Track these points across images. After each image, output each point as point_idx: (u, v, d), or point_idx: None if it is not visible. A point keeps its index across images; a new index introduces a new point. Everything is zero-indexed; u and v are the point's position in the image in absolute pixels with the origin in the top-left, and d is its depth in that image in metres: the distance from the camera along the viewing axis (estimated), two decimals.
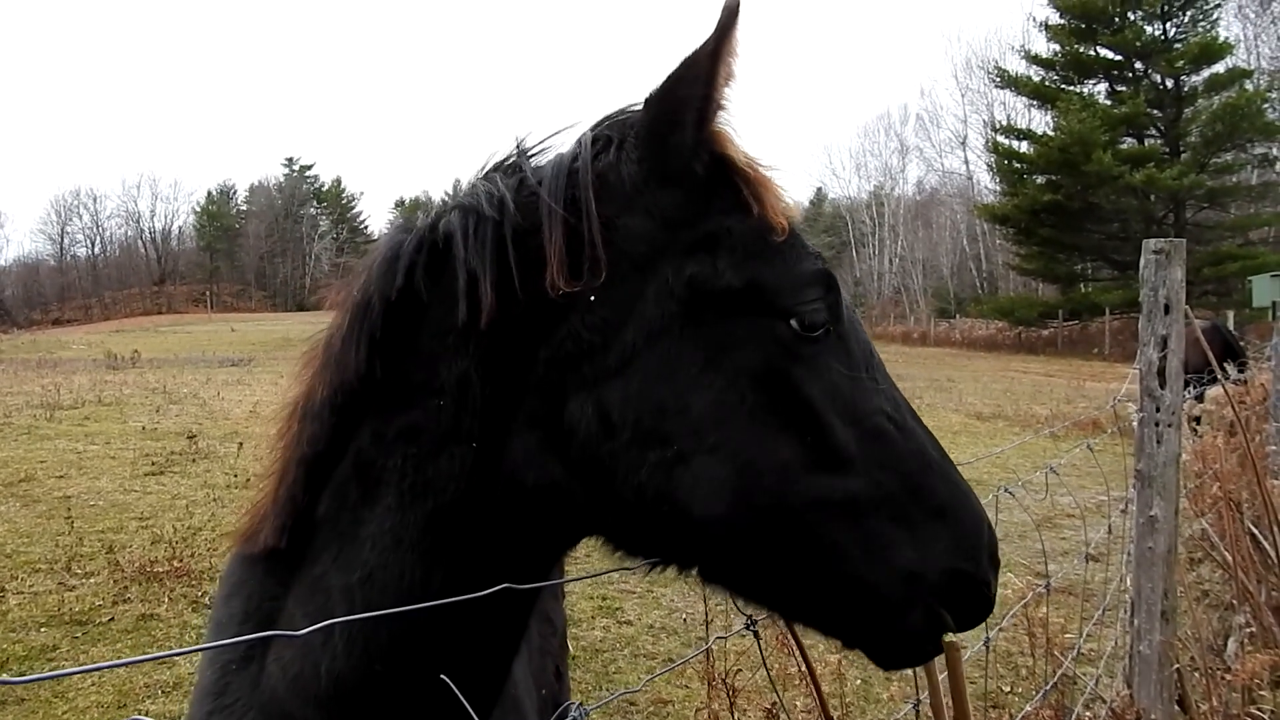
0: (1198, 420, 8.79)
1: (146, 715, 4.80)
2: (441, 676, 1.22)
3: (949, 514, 1.24)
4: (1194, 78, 41.45)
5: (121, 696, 5.06)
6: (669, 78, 1.19)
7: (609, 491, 1.19)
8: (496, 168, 1.33)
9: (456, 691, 1.20)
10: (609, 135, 1.25)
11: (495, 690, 1.36)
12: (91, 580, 7.07)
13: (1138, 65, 42.64)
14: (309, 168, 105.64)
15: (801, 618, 1.29)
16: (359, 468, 1.28)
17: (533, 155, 1.32)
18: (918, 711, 2.27)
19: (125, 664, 1.22)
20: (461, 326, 1.20)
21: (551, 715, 1.49)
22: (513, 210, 1.22)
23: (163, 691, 5.09)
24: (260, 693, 1.31)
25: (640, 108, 1.23)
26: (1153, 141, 42.76)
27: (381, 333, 1.25)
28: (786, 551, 1.18)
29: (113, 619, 6.30)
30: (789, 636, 1.70)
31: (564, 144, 1.32)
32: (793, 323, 1.18)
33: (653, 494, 1.16)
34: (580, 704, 1.30)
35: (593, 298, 1.17)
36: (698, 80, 1.16)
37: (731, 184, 1.22)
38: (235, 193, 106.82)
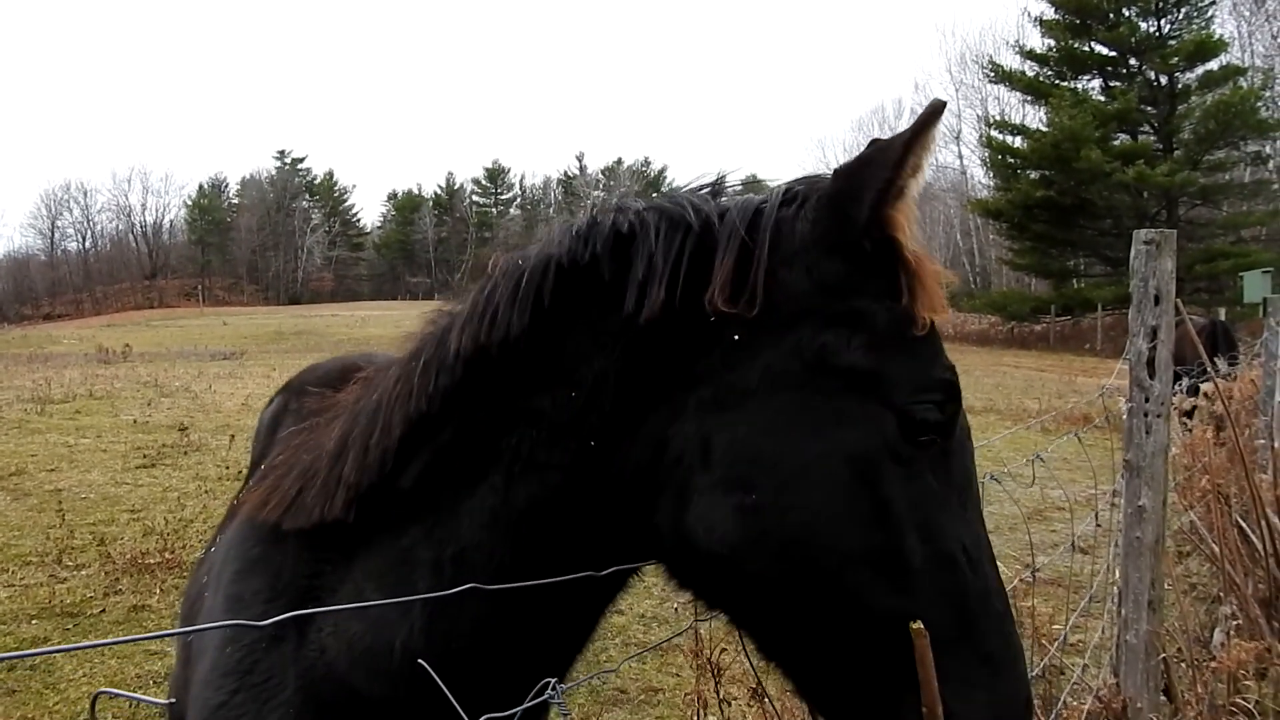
0: (1189, 414, 8.78)
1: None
2: (420, 662, 1.23)
3: (993, 667, 1.17)
4: (1188, 74, 41.50)
5: (113, 687, 5.06)
6: (860, 156, 1.21)
7: (681, 520, 1.20)
8: (692, 190, 1.37)
9: (438, 679, 1.20)
10: (799, 190, 1.27)
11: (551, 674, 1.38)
12: (83, 572, 7.07)
13: (1132, 61, 42.62)
14: (301, 161, 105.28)
15: (813, 701, 1.24)
16: (469, 439, 1.29)
17: (726, 189, 1.37)
18: None
19: (111, 644, 1.22)
20: (622, 320, 1.23)
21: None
22: (715, 223, 1.25)
23: (154, 681, 5.08)
24: (305, 666, 1.30)
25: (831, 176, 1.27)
26: (1146, 138, 42.80)
27: (551, 299, 1.26)
28: (818, 636, 1.17)
29: (104, 611, 6.30)
30: None
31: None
32: (903, 422, 1.16)
33: (718, 534, 1.16)
34: (556, 683, 1.31)
35: (736, 336, 1.19)
36: (886, 164, 1.18)
37: (891, 268, 1.22)
38: (227, 186, 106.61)
